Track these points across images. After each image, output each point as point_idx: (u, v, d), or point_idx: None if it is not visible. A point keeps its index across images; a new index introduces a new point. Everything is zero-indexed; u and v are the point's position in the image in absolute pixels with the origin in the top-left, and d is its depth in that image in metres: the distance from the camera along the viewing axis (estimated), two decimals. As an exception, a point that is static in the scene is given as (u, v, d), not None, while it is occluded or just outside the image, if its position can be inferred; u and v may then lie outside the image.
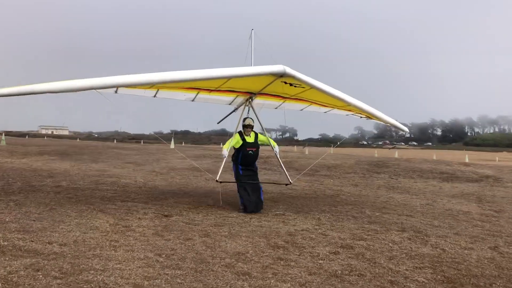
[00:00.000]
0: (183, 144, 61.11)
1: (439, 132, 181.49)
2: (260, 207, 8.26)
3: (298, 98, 9.43)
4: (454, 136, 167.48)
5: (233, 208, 8.53)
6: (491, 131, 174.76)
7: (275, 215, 8.20)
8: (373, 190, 13.18)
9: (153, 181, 12.71)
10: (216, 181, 8.60)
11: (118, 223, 6.74)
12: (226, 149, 8.72)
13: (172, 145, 34.17)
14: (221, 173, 8.74)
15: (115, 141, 63.90)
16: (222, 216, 7.70)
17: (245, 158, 8.59)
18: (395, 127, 10.40)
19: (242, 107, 9.38)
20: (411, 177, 16.68)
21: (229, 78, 7.33)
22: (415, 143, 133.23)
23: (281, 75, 7.20)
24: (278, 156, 9.25)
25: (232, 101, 9.96)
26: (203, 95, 9.21)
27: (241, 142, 8.58)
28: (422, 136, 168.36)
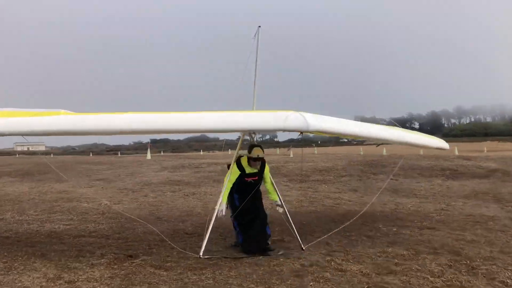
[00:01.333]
0: (161, 154, 58.74)
1: (417, 125, 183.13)
2: (264, 244, 5.97)
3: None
4: (432, 129, 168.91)
5: (217, 235, 6.75)
6: (467, 121, 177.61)
7: (272, 242, 6.48)
8: (375, 195, 11.59)
9: (121, 203, 10.81)
10: (200, 257, 5.57)
11: (60, 276, 4.90)
12: (224, 202, 5.94)
13: (149, 156, 32.07)
14: (207, 242, 5.75)
15: (91, 154, 60.82)
16: (204, 251, 5.89)
17: (243, 189, 6.14)
18: (439, 148, 8.44)
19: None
20: (412, 176, 15.20)
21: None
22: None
23: (301, 132, 5.13)
24: (287, 213, 6.46)
25: None
26: None
27: (238, 172, 6.11)
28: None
